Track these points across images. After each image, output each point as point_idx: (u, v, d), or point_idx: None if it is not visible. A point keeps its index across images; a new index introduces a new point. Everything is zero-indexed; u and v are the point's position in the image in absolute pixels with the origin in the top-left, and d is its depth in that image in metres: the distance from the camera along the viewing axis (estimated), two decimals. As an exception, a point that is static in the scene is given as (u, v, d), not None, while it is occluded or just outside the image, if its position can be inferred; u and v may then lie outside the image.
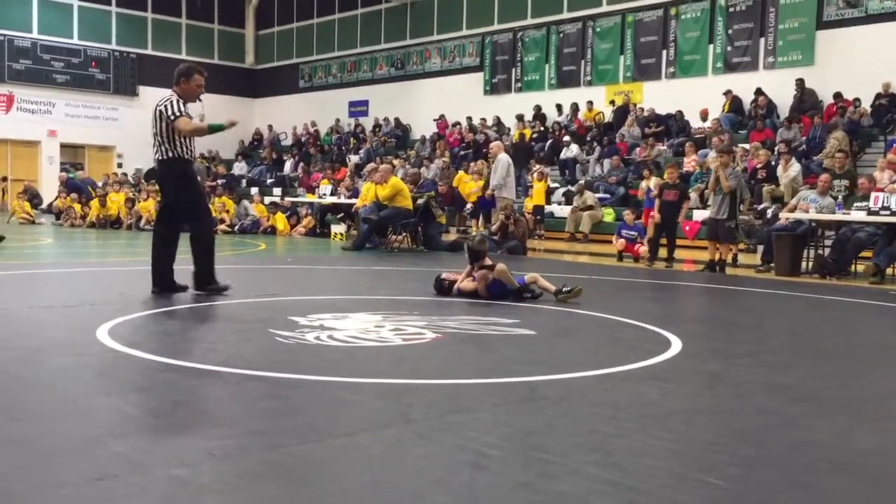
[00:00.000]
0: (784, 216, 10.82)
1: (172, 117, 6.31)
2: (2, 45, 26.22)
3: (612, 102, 20.80)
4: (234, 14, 31.31)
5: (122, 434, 2.83)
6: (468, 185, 17.79)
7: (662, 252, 11.35)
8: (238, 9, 31.39)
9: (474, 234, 15.66)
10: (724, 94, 18.40)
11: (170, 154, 6.41)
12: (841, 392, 3.93)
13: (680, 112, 19.00)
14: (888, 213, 9.60)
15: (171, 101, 6.38)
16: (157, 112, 6.37)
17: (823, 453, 2.88)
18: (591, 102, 20.97)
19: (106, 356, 4.13)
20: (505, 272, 6.75)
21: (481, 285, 6.83)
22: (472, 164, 18.80)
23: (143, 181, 23.70)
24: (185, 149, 6.46)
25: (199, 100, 6.76)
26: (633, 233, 12.26)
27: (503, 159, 13.34)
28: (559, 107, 21.62)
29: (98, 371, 3.84)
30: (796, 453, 2.87)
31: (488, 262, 7.02)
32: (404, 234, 13.50)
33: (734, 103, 18.34)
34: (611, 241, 12.83)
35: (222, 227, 17.36)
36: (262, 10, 31.37)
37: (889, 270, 9.93)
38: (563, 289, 6.73)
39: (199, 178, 6.82)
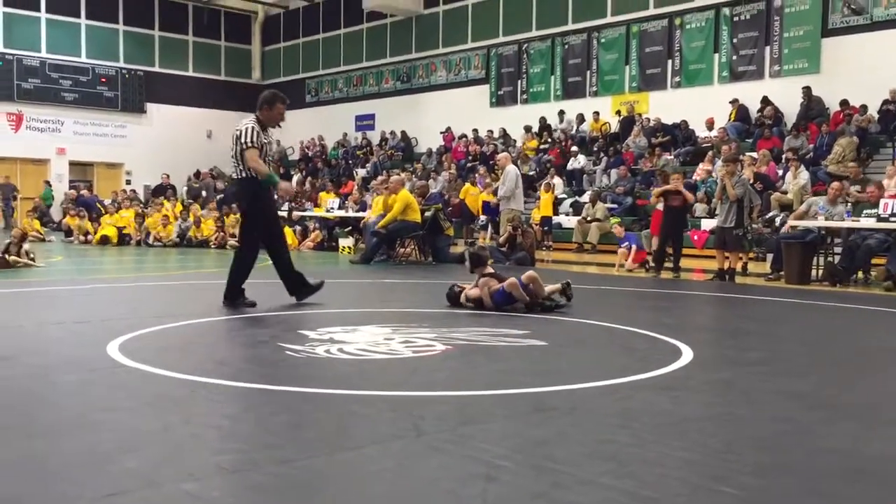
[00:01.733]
0: (791, 223, 10.75)
1: (244, 146, 6.59)
2: (11, 65, 26.43)
3: (618, 113, 20.82)
4: (241, 30, 31.52)
5: (134, 449, 2.83)
6: (474, 197, 17.82)
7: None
8: (244, 25, 31.61)
9: (471, 243, 15.73)
10: (730, 102, 18.38)
11: (244, 174, 6.70)
12: (855, 398, 3.91)
13: (685, 121, 18.98)
14: (898, 219, 9.55)
15: (248, 128, 6.66)
16: (235, 136, 6.69)
17: (839, 460, 2.86)
18: (597, 113, 20.99)
19: (117, 372, 4.13)
20: (515, 286, 6.74)
21: (484, 292, 6.84)
22: (479, 173, 18.81)
23: (151, 197, 23.88)
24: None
25: (279, 125, 7.12)
26: (626, 243, 12.20)
27: (512, 171, 13.31)
28: (561, 113, 21.64)
29: (109, 387, 3.85)
30: (811, 460, 2.85)
31: (490, 269, 7.03)
32: (413, 246, 13.50)
33: (740, 112, 18.31)
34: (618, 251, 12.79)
35: (232, 241, 17.42)
36: (267, 26, 31.57)
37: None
38: (555, 300, 6.83)
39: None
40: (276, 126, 7.04)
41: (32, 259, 11.40)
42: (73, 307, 7.14)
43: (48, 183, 26.41)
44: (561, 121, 21.62)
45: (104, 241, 18.37)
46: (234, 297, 6.79)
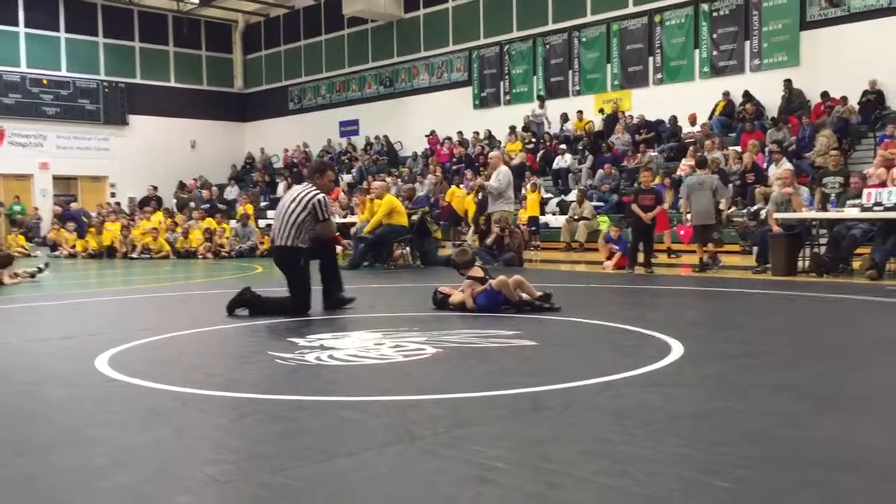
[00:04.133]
0: (773, 220, 10.76)
1: (324, 216, 6.92)
2: (-9, 81, 26.28)
3: (602, 111, 20.88)
4: (222, 40, 31.44)
5: (126, 463, 2.81)
6: (461, 199, 17.82)
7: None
8: (225, 34, 31.53)
9: (458, 244, 15.79)
10: (722, 94, 18.41)
11: (288, 243, 6.87)
12: (845, 389, 3.93)
13: (674, 117, 19.06)
14: (881, 209, 9.62)
15: (322, 200, 6.91)
16: (305, 201, 6.83)
17: (831, 451, 2.87)
18: (580, 112, 21.05)
19: (106, 386, 4.10)
20: (505, 284, 6.74)
21: (466, 295, 6.84)
22: (467, 177, 18.84)
23: (137, 208, 23.75)
24: (305, 240, 6.93)
25: (329, 191, 7.45)
26: (616, 246, 12.21)
27: (506, 170, 13.25)
28: (541, 98, 21.66)
29: (98, 401, 3.82)
30: (804, 452, 2.86)
31: (478, 273, 7.02)
32: (401, 249, 13.50)
33: (728, 106, 18.35)
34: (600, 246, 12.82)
35: (221, 251, 17.37)
36: (248, 34, 31.51)
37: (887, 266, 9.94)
38: (545, 304, 6.78)
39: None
40: (329, 193, 7.31)
41: (30, 274, 11.27)
42: (59, 322, 7.09)
43: (17, 198, 26.26)
44: (541, 106, 21.57)
45: (110, 252, 18.30)
46: (246, 302, 6.90)
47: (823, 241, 10.80)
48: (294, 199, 6.94)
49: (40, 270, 11.59)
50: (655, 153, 18.53)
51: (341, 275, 7.42)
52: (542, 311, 6.69)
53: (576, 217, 16.77)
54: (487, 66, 23.67)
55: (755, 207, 13.86)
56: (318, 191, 6.99)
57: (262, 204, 24.79)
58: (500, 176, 12.98)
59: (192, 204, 24.17)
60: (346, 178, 23.96)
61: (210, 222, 18.33)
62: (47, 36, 27.41)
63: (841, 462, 2.74)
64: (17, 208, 25.85)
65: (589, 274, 11.61)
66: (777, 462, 2.73)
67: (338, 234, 7.79)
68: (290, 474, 2.65)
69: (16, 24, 26.80)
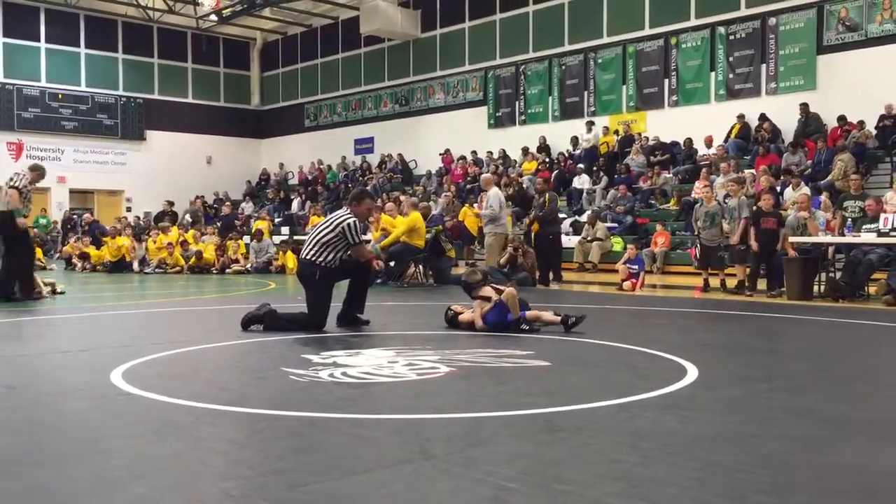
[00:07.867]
0: (789, 244, 10.70)
1: (355, 240, 7.08)
2: (11, 95, 26.58)
3: (616, 132, 20.88)
4: (239, 57, 31.72)
5: (142, 476, 2.82)
6: (473, 218, 17.82)
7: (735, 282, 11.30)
8: (243, 52, 31.81)
9: (472, 263, 15.75)
10: (737, 117, 18.37)
11: (308, 257, 7.10)
12: (862, 414, 3.90)
13: (689, 139, 19.01)
14: (898, 233, 9.56)
15: (351, 224, 7.04)
16: (335, 224, 7.06)
17: (848, 476, 2.85)
18: (606, 127, 20.98)
19: (122, 399, 4.12)
20: (513, 296, 6.74)
21: (476, 315, 6.83)
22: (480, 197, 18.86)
23: (152, 223, 23.88)
24: (329, 259, 7.05)
25: (368, 220, 7.51)
26: (634, 266, 12.26)
27: (495, 193, 13.25)
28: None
29: (115, 414, 3.84)
30: (821, 477, 2.84)
31: (489, 293, 7.00)
32: (415, 268, 13.51)
33: (744, 129, 18.29)
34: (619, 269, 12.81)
35: (236, 266, 17.44)
36: (266, 52, 31.78)
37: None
38: (569, 320, 6.73)
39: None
40: (364, 222, 7.42)
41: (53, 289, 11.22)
42: (75, 335, 7.13)
43: (44, 210, 26.44)
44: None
45: (113, 266, 18.37)
46: (259, 320, 6.95)
47: (840, 265, 10.75)
48: (328, 220, 7.27)
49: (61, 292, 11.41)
50: (670, 175, 18.51)
51: (366, 298, 7.46)
52: (562, 332, 6.65)
53: (589, 238, 16.75)
54: (503, 85, 23.76)
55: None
56: (351, 216, 7.14)
57: (277, 220, 24.92)
58: (491, 201, 12.97)
59: (189, 218, 24.37)
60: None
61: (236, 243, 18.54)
62: (68, 51, 27.74)
63: (861, 488, 2.72)
64: (42, 221, 26.04)
65: (602, 295, 11.58)
66: (795, 487, 2.71)
67: (374, 257, 7.81)
68: (304, 490, 2.65)
69: (37, 39, 27.15)
